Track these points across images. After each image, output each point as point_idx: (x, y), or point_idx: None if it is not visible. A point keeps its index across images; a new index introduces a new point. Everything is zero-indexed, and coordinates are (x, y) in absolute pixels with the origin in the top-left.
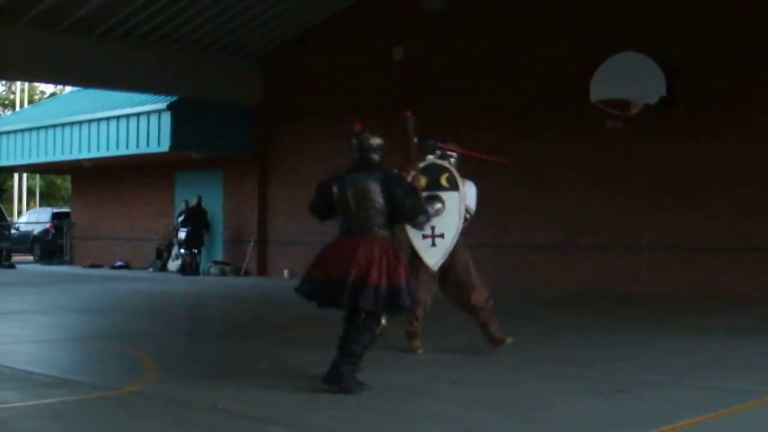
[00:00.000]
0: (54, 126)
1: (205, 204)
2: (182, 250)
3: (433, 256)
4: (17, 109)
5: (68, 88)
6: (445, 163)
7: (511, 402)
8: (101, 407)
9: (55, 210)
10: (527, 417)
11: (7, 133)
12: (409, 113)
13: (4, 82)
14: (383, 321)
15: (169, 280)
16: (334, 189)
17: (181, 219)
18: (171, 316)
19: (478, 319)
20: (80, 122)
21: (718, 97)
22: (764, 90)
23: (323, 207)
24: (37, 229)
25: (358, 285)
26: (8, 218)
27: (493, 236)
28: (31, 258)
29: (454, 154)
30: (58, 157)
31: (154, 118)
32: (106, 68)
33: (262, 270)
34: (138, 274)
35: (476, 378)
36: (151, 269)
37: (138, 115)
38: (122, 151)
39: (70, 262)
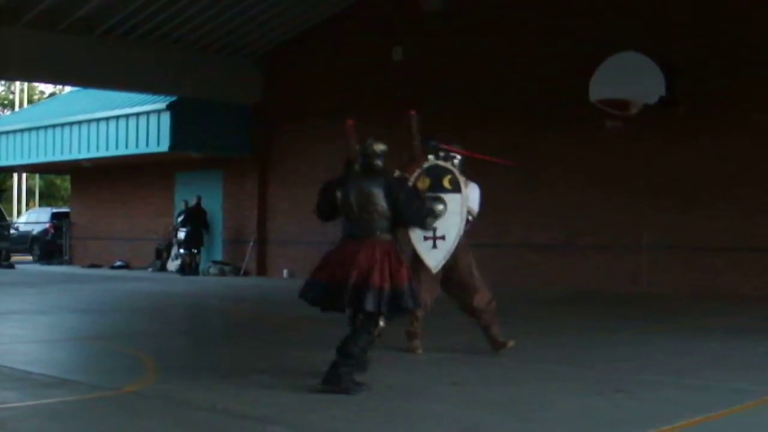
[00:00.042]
0: (53, 126)
1: (205, 204)
2: (182, 250)
3: (434, 258)
4: (17, 109)
5: (68, 88)
6: (448, 165)
7: (511, 402)
8: (101, 407)
9: (54, 210)
10: (527, 417)
11: (7, 133)
12: (413, 112)
13: (3, 82)
14: (381, 323)
15: (169, 280)
16: (339, 194)
17: (180, 219)
18: (170, 316)
19: (479, 321)
20: (80, 122)
21: (717, 97)
22: (764, 90)
23: (326, 209)
24: (36, 229)
25: (360, 287)
26: (7, 218)
27: (493, 236)
28: (30, 258)
29: (458, 155)
30: (58, 157)
31: (153, 118)
32: (105, 68)
33: (262, 270)
34: (137, 274)
35: (476, 378)
36: (150, 269)
37: (137, 115)
38: (122, 151)
39: (70, 262)
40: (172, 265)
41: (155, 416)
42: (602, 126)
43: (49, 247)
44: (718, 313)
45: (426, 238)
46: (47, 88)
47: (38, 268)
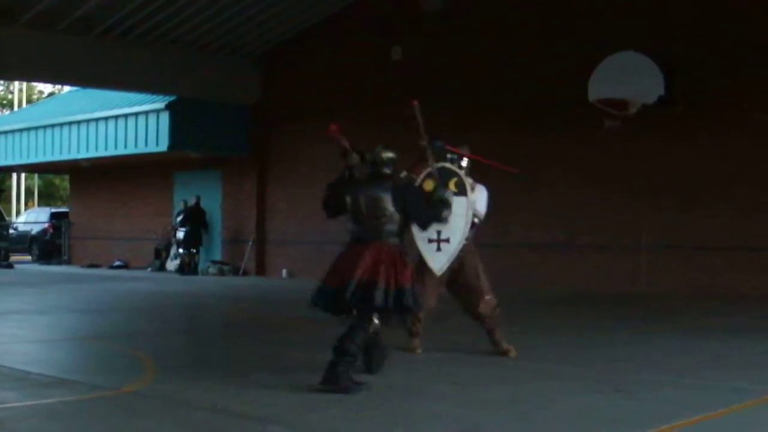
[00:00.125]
0: (52, 126)
1: (204, 204)
2: (181, 250)
3: (438, 261)
4: (15, 108)
5: (66, 88)
6: (454, 168)
7: (510, 401)
8: (100, 407)
9: (53, 210)
10: (527, 416)
11: (6, 132)
12: (415, 102)
13: (2, 82)
14: (375, 320)
15: (168, 280)
16: (348, 198)
17: (179, 219)
18: (169, 316)
19: (483, 325)
20: (78, 122)
21: (716, 96)
22: (763, 89)
23: (332, 208)
24: (35, 229)
25: (367, 285)
26: (6, 218)
27: (493, 236)
28: (29, 258)
29: (465, 158)
30: (57, 157)
31: (152, 118)
32: (104, 68)
33: (261, 270)
34: (136, 273)
35: (476, 378)
36: (149, 269)
37: (136, 114)
38: (120, 151)
39: (69, 262)
40: (171, 264)
41: (154, 416)
42: (601, 126)
43: (48, 247)
44: (717, 312)
45: (430, 241)
46: (46, 88)
47: (37, 268)
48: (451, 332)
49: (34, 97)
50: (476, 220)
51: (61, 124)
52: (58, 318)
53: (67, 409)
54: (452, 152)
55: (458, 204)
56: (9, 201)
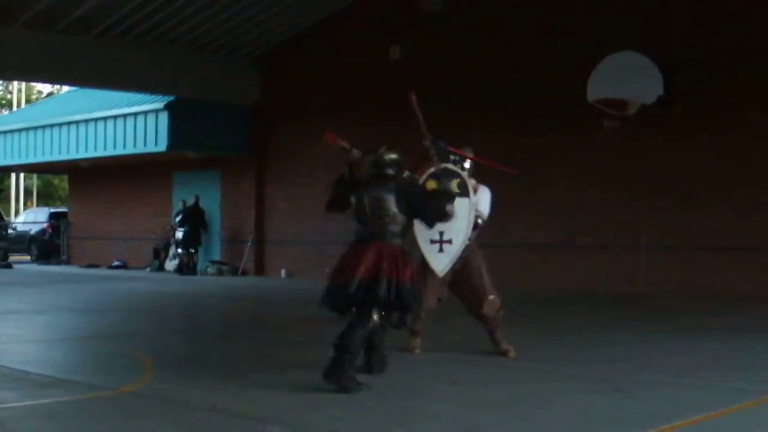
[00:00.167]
0: (51, 126)
1: (203, 204)
2: (179, 250)
3: (441, 262)
4: (14, 108)
5: (65, 88)
6: (457, 169)
7: (510, 401)
8: (98, 407)
9: (52, 210)
10: (527, 416)
11: (5, 132)
12: (411, 93)
13: (1, 82)
14: (374, 316)
15: (167, 280)
16: (353, 198)
17: (178, 219)
18: (168, 316)
19: (485, 326)
20: (77, 122)
21: (715, 96)
22: (762, 90)
23: (336, 206)
24: (34, 229)
25: (368, 281)
26: (5, 218)
27: (493, 236)
28: (28, 258)
29: (468, 160)
30: (56, 157)
31: (151, 118)
32: (103, 68)
33: (260, 270)
34: (135, 273)
35: (475, 378)
36: (148, 269)
37: (135, 114)
38: (119, 151)
39: (67, 262)
40: (170, 264)
41: (153, 416)
42: (601, 126)
43: (46, 246)
44: (716, 312)
45: (432, 242)
46: (45, 88)
47: (36, 267)
48: (451, 332)
49: (33, 97)
50: (479, 221)
51: (60, 124)
52: (56, 318)
53: (65, 409)
54: (455, 154)
55: (461, 205)
56: (8, 201)
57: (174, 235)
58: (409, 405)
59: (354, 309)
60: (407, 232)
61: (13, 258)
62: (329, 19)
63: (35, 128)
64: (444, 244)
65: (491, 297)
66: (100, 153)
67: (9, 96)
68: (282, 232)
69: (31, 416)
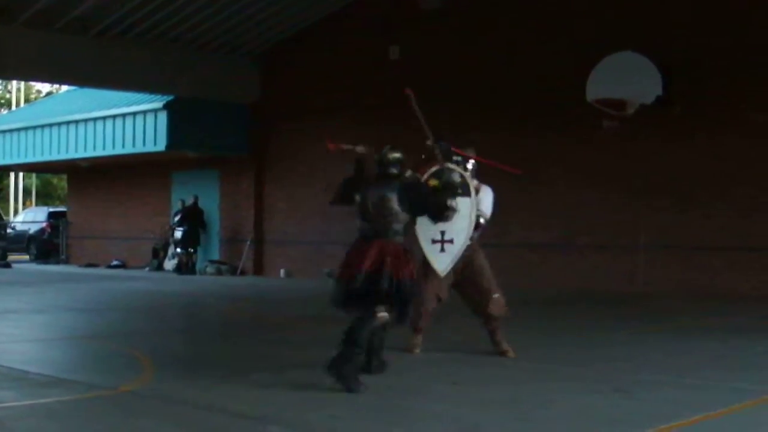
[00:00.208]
0: (50, 125)
1: (202, 203)
2: (179, 250)
3: (442, 262)
4: (13, 108)
5: (65, 88)
6: (458, 169)
7: (510, 401)
8: (98, 406)
9: (51, 209)
10: (526, 416)
11: (4, 132)
12: (410, 92)
13: (0, 82)
14: (382, 312)
15: (166, 280)
16: (357, 197)
17: (177, 218)
18: (167, 316)
19: (487, 325)
20: (77, 121)
21: (714, 96)
22: (761, 90)
23: (341, 201)
24: (33, 229)
25: (372, 275)
26: (4, 217)
27: (493, 236)
28: (27, 257)
29: (471, 160)
30: (55, 157)
31: (150, 118)
32: (102, 67)
33: (259, 269)
34: (134, 273)
35: (475, 378)
36: (147, 268)
37: (134, 114)
38: (119, 151)
39: (67, 262)
40: (169, 264)
41: (152, 415)
42: (600, 126)
43: (45, 246)
44: (716, 312)
45: (434, 242)
46: (44, 87)
47: (35, 267)
48: (451, 332)
49: (32, 96)
50: (482, 220)
51: (59, 124)
52: (55, 317)
53: (65, 408)
54: (458, 154)
55: (462, 205)
56: (7, 200)
57: (173, 235)
58: (409, 405)
59: (361, 304)
60: (409, 229)
61: (12, 257)
62: (329, 19)
63: (34, 128)
64: (445, 244)
65: (496, 296)
66: (99, 152)
67: (8, 95)
68: (281, 231)
69: (30, 415)
